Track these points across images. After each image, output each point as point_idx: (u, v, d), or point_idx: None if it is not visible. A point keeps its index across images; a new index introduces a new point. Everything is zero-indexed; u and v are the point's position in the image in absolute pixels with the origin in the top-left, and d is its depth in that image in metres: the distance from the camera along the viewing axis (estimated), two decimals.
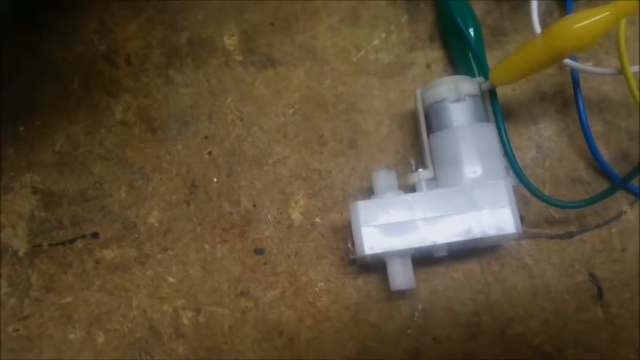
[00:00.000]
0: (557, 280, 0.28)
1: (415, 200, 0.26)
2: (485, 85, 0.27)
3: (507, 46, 0.31)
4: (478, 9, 0.31)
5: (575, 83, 0.28)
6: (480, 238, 0.25)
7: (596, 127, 0.29)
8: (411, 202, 0.25)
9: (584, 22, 0.23)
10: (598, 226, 0.29)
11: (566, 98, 0.30)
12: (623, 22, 0.25)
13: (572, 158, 0.29)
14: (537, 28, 0.27)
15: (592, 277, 0.28)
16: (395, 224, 0.25)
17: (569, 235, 0.28)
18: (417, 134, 0.30)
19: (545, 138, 0.30)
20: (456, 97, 0.27)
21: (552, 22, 0.30)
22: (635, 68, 0.26)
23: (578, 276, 0.28)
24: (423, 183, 0.27)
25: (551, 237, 0.28)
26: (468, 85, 0.27)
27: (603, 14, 0.23)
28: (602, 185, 0.29)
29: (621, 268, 0.28)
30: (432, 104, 0.27)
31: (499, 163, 0.26)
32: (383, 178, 0.27)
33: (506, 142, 0.27)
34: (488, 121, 0.27)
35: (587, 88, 0.30)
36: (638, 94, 0.26)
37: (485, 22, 0.31)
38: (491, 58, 0.30)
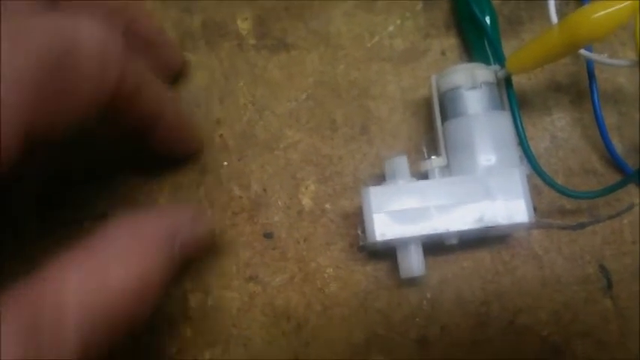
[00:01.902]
0: (567, 271, 0.28)
1: (427, 187, 0.25)
2: (501, 73, 0.27)
3: (523, 35, 0.30)
4: None
5: (591, 74, 0.28)
6: (492, 227, 0.25)
7: (610, 119, 0.29)
8: (423, 189, 0.25)
9: (603, 11, 0.23)
10: (610, 217, 0.28)
11: (580, 89, 0.30)
12: None
13: (585, 149, 0.29)
14: (554, 18, 0.27)
15: (602, 268, 0.28)
16: (406, 211, 0.25)
17: (581, 226, 0.28)
18: (430, 122, 0.29)
19: (559, 128, 0.29)
20: (471, 84, 0.26)
21: (569, 12, 0.30)
22: None
23: (588, 267, 0.28)
24: (436, 170, 0.27)
25: (563, 227, 0.28)
26: (483, 72, 0.27)
27: (622, 4, 0.23)
28: (615, 177, 0.29)
29: (631, 261, 0.28)
30: (446, 91, 0.27)
31: (513, 152, 0.26)
32: (395, 164, 0.27)
33: (521, 131, 0.26)
34: (503, 109, 0.27)
35: (602, 79, 0.30)
36: None
37: (501, 11, 0.31)
38: (507, 48, 0.30)
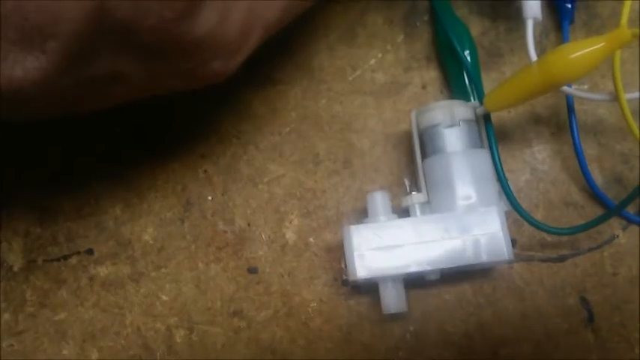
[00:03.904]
0: (548, 303, 0.28)
1: (408, 225, 0.26)
2: (480, 110, 0.27)
3: (503, 68, 0.31)
4: (474, 29, 0.31)
5: (570, 109, 0.28)
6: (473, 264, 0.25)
7: (590, 150, 0.29)
8: (404, 227, 0.26)
9: (579, 52, 0.23)
10: (590, 249, 0.29)
11: (560, 121, 0.30)
12: (618, 50, 0.25)
13: (566, 181, 0.29)
14: (532, 52, 0.27)
15: (583, 300, 0.28)
16: (387, 249, 0.25)
17: (562, 259, 0.29)
18: (411, 155, 0.30)
19: (539, 161, 0.30)
20: (450, 122, 0.27)
21: (548, 45, 0.31)
22: (632, 95, 0.26)
23: (569, 299, 0.28)
24: (417, 206, 0.27)
25: (544, 260, 0.29)
26: (462, 110, 0.27)
27: (598, 45, 0.23)
28: (595, 209, 0.29)
29: (612, 292, 0.28)
30: (426, 128, 0.27)
31: (492, 188, 0.26)
32: (376, 201, 0.27)
33: (499, 169, 0.27)
34: (482, 146, 0.27)
35: (582, 110, 0.30)
36: (633, 122, 0.26)
37: (480, 42, 0.31)
38: (487, 80, 0.30)
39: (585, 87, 0.30)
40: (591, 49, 0.23)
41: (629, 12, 0.24)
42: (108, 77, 0.21)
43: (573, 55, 0.23)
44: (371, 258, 0.25)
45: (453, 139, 0.26)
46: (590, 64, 0.23)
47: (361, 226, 0.26)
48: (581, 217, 0.29)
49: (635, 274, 0.28)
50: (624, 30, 0.23)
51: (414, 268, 0.25)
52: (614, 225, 0.29)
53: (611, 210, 0.26)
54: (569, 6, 0.29)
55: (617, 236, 0.29)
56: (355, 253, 0.25)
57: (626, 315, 0.28)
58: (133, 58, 0.21)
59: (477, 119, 0.28)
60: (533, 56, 0.27)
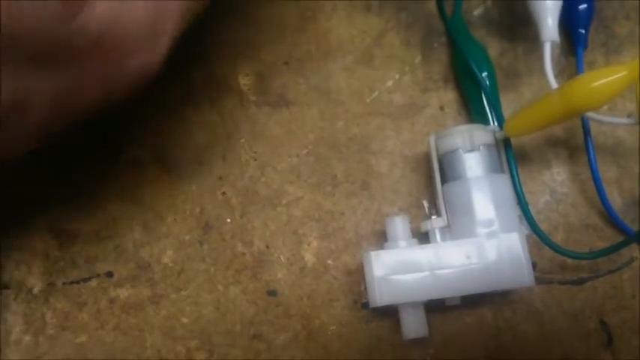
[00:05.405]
0: (567, 327, 0.28)
1: (429, 251, 0.26)
2: (500, 135, 0.27)
3: (522, 89, 0.31)
4: (492, 50, 0.31)
5: (586, 132, 0.28)
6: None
7: (609, 173, 0.29)
8: (425, 253, 0.26)
9: (601, 80, 0.23)
10: (610, 272, 0.29)
11: (579, 143, 0.30)
12: None
13: (585, 204, 0.29)
14: (550, 75, 0.27)
15: (602, 323, 0.28)
16: (408, 275, 0.25)
17: (581, 282, 0.29)
18: (430, 176, 0.30)
19: (558, 183, 0.30)
20: (470, 146, 0.27)
21: (567, 66, 0.31)
22: None
23: (588, 322, 0.28)
24: (437, 231, 0.27)
25: (563, 283, 0.29)
26: (482, 134, 0.27)
27: (620, 74, 0.23)
28: (615, 232, 0.29)
29: (631, 315, 0.28)
30: (445, 153, 0.27)
31: (513, 213, 0.26)
32: (396, 226, 0.27)
33: (520, 194, 0.27)
34: (502, 170, 0.27)
35: (600, 132, 0.30)
36: None
37: (499, 63, 0.31)
38: (506, 101, 0.30)
39: (604, 108, 0.30)
40: (613, 77, 0.23)
41: None
42: (9, 107, 0.19)
43: (595, 84, 0.23)
44: (392, 284, 0.25)
45: (474, 164, 0.26)
46: (611, 93, 0.23)
47: (382, 252, 0.26)
48: (600, 240, 0.29)
49: None
50: None
51: (435, 295, 0.25)
52: (633, 247, 0.29)
53: (630, 237, 0.26)
54: (583, 31, 0.29)
55: (636, 258, 0.29)
56: (376, 280, 0.25)
57: None
58: (33, 74, 0.19)
59: (496, 143, 0.27)
60: (552, 79, 0.27)
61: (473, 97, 0.30)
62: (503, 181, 0.27)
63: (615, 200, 0.29)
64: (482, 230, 0.26)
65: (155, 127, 0.31)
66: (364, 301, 0.29)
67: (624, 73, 0.23)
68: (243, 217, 0.30)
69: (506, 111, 0.29)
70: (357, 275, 0.29)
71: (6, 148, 0.21)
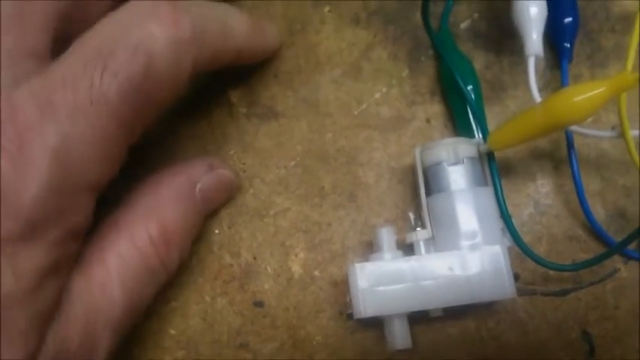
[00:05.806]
0: (551, 337, 0.29)
1: (413, 263, 0.26)
2: (484, 148, 0.27)
3: (507, 102, 0.31)
4: (478, 63, 0.31)
5: (570, 145, 0.29)
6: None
7: (593, 185, 0.30)
8: (409, 266, 0.26)
9: (583, 95, 0.24)
10: (592, 283, 0.29)
11: (563, 155, 0.30)
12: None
13: (568, 216, 0.30)
14: (534, 89, 0.28)
15: (585, 334, 0.29)
16: (392, 287, 0.26)
17: (564, 293, 0.29)
18: (416, 189, 0.30)
19: (542, 195, 0.30)
20: (454, 159, 0.27)
21: (552, 79, 0.31)
22: (635, 132, 0.27)
23: (571, 333, 0.29)
24: (421, 243, 0.27)
25: (546, 294, 0.29)
26: (466, 147, 0.27)
27: (600, 89, 0.23)
28: (598, 244, 0.29)
29: (613, 326, 0.29)
30: (430, 166, 0.28)
31: (496, 226, 0.27)
32: (382, 238, 0.27)
33: (502, 206, 0.27)
34: (486, 183, 0.28)
35: (584, 144, 0.30)
36: (637, 156, 0.26)
37: (484, 76, 0.31)
38: (491, 114, 0.31)
39: (588, 120, 0.31)
40: (594, 92, 0.24)
41: (634, 56, 0.24)
42: None
43: (577, 99, 0.24)
44: (376, 296, 0.26)
45: (458, 177, 0.27)
46: (593, 107, 0.24)
47: (366, 264, 0.26)
48: (583, 252, 0.29)
49: (636, 307, 0.29)
50: (627, 75, 0.23)
51: (418, 307, 0.26)
52: (616, 258, 0.29)
53: (612, 249, 0.26)
54: (568, 45, 0.30)
55: (619, 269, 0.29)
56: (360, 292, 0.26)
57: (627, 348, 0.28)
58: None
59: (480, 156, 0.28)
60: (535, 93, 0.28)
61: (458, 111, 0.30)
62: (487, 193, 0.27)
63: (598, 212, 0.29)
64: (465, 242, 0.26)
65: (144, 139, 0.31)
66: (350, 312, 0.29)
67: (604, 88, 0.23)
68: (231, 229, 0.30)
69: (492, 124, 0.30)
70: (343, 286, 0.29)
71: None
